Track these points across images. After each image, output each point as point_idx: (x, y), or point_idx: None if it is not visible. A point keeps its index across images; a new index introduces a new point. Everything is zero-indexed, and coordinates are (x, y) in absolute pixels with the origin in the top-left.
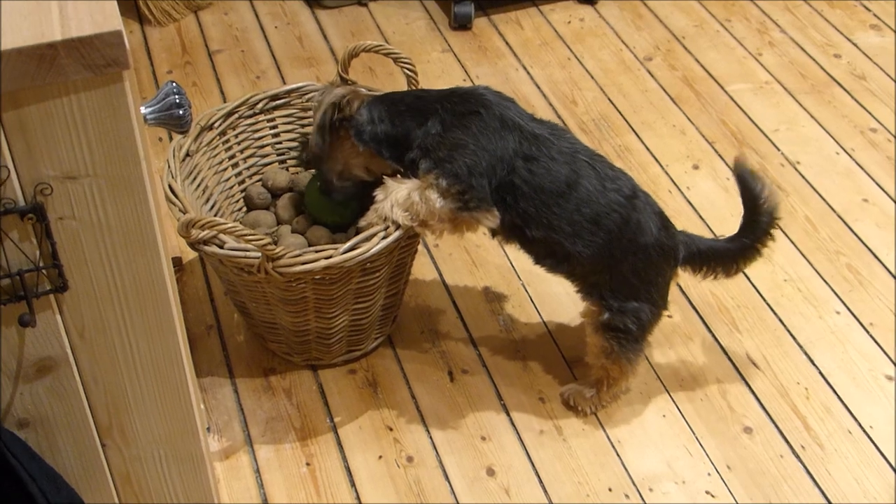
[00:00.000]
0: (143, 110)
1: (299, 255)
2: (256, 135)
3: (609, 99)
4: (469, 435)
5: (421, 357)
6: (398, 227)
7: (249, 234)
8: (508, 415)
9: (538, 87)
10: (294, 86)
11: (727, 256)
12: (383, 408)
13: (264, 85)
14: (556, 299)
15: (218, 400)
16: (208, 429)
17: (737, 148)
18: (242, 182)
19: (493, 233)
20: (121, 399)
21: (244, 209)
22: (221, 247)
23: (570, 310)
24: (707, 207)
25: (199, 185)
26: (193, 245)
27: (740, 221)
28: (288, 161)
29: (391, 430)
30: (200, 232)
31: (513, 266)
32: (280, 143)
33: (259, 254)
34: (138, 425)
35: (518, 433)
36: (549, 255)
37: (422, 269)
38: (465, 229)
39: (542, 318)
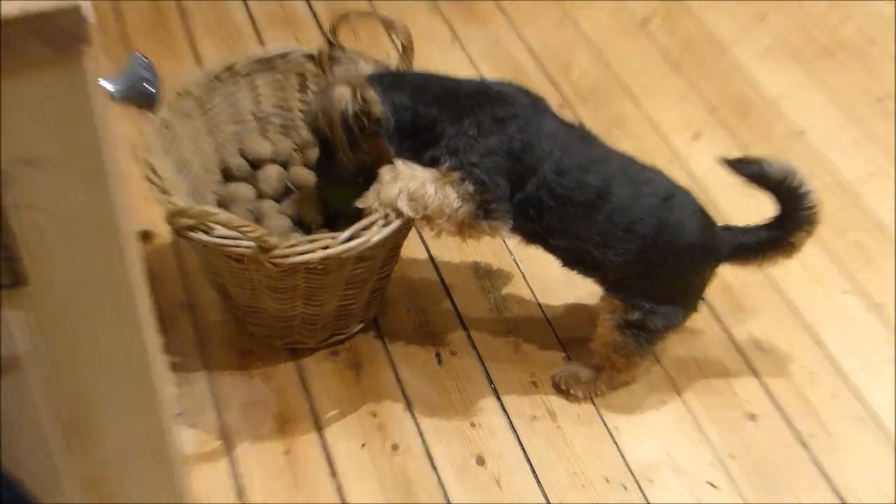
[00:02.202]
0: (108, 87)
1: (295, 246)
2: (238, 102)
3: (606, 63)
4: (458, 421)
5: (407, 338)
6: (399, 215)
7: (244, 226)
8: (499, 399)
9: (531, 51)
10: (280, 50)
11: (773, 243)
12: (367, 392)
13: (240, 47)
14: (551, 277)
15: (190, 384)
16: (179, 415)
17: (739, 116)
18: (221, 152)
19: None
20: (86, 398)
21: (220, 179)
22: (209, 233)
23: (566, 288)
24: (709, 179)
25: (175, 156)
26: (178, 231)
27: (776, 207)
28: (270, 130)
29: (375, 416)
30: (188, 221)
31: (504, 242)
32: (263, 110)
33: (251, 243)
34: (105, 425)
35: (509, 419)
36: (577, 262)
37: (409, 244)
38: (468, 235)
39: (535, 297)
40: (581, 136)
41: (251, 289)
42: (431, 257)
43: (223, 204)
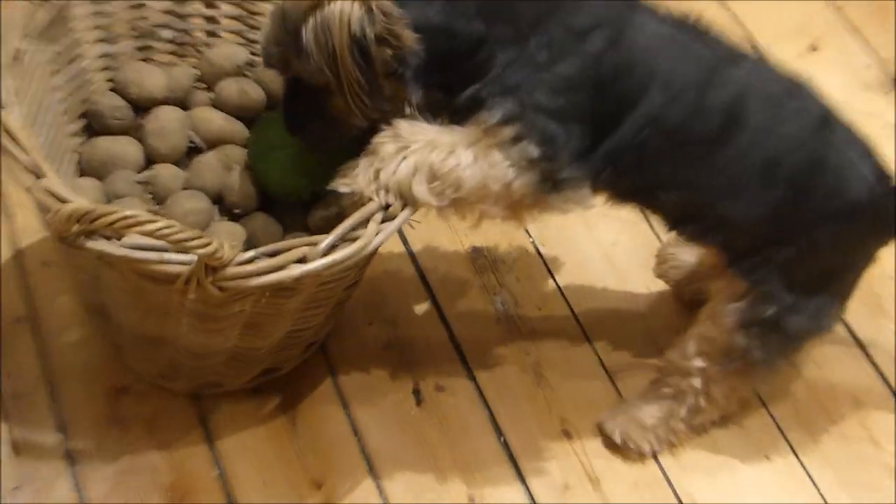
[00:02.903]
0: None
1: (254, 262)
2: (108, 8)
3: None
4: (448, 492)
5: (369, 366)
6: (412, 204)
7: (190, 238)
8: (512, 459)
9: None
10: None
11: None
12: (307, 451)
13: None
14: (589, 267)
15: (35, 440)
16: (17, 489)
17: (879, 15)
18: (85, 90)
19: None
20: None
21: (81, 131)
22: (114, 241)
23: (615, 285)
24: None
25: (26, 103)
26: (65, 238)
27: None
28: (156, 50)
29: (319, 487)
30: (89, 226)
31: None
32: (146, 20)
33: (187, 258)
34: None
35: (528, 489)
36: (692, 220)
37: None
38: (525, 217)
39: (566, 300)
40: (696, 33)
41: (160, 314)
42: (405, 241)
43: (90, 170)
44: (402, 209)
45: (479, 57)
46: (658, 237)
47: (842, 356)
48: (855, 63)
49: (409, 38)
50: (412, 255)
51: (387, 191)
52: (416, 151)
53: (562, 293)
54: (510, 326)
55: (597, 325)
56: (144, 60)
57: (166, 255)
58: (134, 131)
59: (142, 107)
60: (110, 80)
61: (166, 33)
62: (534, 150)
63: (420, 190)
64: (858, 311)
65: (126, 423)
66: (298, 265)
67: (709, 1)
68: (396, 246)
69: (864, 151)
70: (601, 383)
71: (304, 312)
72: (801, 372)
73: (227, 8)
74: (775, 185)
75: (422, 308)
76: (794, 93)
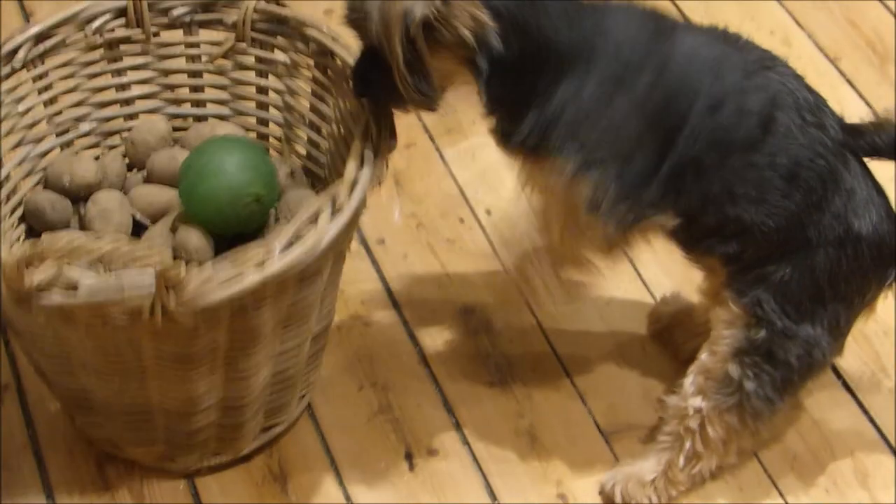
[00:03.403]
0: None
1: (215, 273)
2: (22, 106)
3: None
4: None
5: (361, 430)
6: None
7: (141, 254)
8: None
9: None
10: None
11: None
12: None
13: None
14: (584, 323)
15: None
16: None
17: (874, 64)
18: (15, 190)
19: None
20: None
21: (24, 236)
22: (68, 291)
23: (606, 345)
24: None
25: None
26: (22, 296)
27: None
28: (77, 142)
29: None
30: (47, 272)
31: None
32: (60, 113)
33: (145, 285)
34: None
35: None
36: (714, 234)
37: (356, 276)
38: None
39: (560, 361)
40: (731, 40)
41: (137, 373)
42: (393, 300)
43: None
44: (356, 192)
45: (544, 78)
46: (652, 295)
47: (838, 408)
48: (850, 116)
49: (468, 25)
50: (403, 318)
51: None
52: None
53: (556, 355)
54: (504, 388)
55: (592, 386)
56: (70, 151)
57: (126, 290)
58: (76, 222)
59: (78, 196)
60: (42, 175)
61: (84, 124)
62: (613, 191)
63: None
64: (855, 365)
65: (113, 491)
66: (258, 269)
67: None
68: (386, 309)
69: (876, 185)
70: (597, 445)
71: (282, 344)
72: (795, 422)
73: (138, 88)
74: (793, 195)
75: (413, 371)
76: (814, 104)
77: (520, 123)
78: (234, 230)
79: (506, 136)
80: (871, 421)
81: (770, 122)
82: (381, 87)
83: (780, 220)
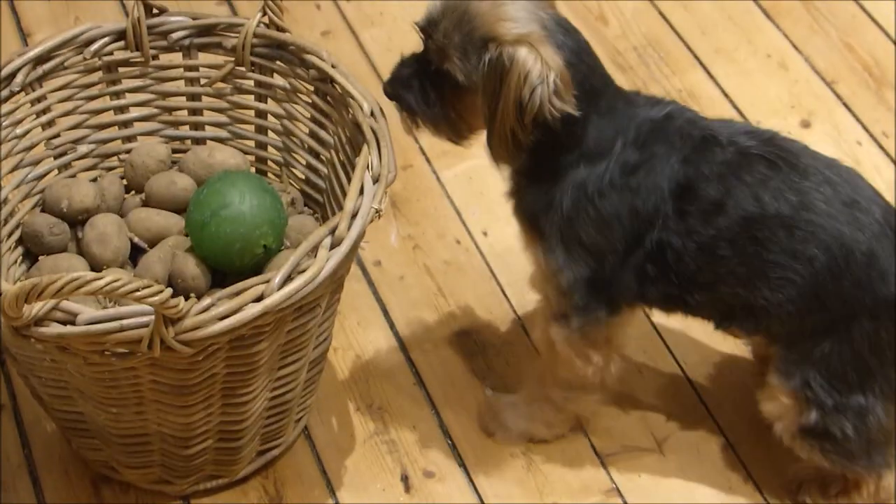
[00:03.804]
0: None
1: (213, 307)
2: (20, 130)
3: (661, 14)
4: None
5: (357, 452)
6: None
7: (139, 287)
8: None
9: None
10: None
11: None
12: None
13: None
14: None
15: None
16: None
17: (871, 87)
18: (13, 214)
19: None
20: None
21: (21, 259)
22: (66, 324)
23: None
24: None
25: None
26: (21, 330)
27: None
28: (76, 164)
29: None
30: (45, 303)
31: (504, 293)
32: (58, 135)
33: (146, 318)
34: None
35: None
36: (727, 317)
37: (354, 301)
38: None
39: None
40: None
41: (135, 404)
42: (391, 324)
43: None
44: (349, 231)
45: (565, 147)
46: (649, 319)
47: None
48: (847, 139)
49: (571, 106)
50: (399, 340)
51: None
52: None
53: None
54: None
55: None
56: (68, 174)
57: (124, 321)
58: (73, 245)
59: (75, 220)
60: (40, 198)
61: (83, 146)
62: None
63: None
64: None
65: None
66: (256, 303)
67: (699, 76)
68: (383, 330)
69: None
70: (593, 468)
71: (279, 370)
72: None
73: (137, 111)
74: (794, 266)
75: (409, 393)
76: (822, 172)
77: (531, 186)
78: (235, 271)
79: (513, 198)
80: None
81: (763, 210)
82: (419, 98)
83: (790, 292)
